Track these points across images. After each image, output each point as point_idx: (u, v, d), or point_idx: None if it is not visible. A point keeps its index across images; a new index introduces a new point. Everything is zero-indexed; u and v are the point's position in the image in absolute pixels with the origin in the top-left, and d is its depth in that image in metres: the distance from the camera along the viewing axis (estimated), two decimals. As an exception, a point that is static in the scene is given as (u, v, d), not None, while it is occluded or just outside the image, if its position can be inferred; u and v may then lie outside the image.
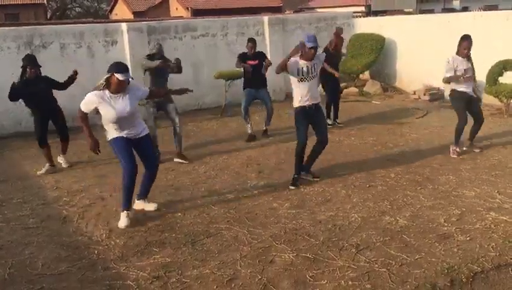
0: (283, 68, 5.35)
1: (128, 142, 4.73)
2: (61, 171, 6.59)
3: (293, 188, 5.53)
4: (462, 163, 6.12)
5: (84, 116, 4.69)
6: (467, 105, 6.43)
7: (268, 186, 5.64)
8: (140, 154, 4.90)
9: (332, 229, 4.44)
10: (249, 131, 7.91)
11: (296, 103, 5.56)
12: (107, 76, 4.49)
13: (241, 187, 5.66)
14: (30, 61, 6.43)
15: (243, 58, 7.80)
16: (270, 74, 10.83)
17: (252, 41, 7.82)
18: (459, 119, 6.49)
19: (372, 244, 4.12)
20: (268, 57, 10.52)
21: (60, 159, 6.86)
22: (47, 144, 6.65)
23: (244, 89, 7.96)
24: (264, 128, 8.08)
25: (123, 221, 4.71)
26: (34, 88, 6.35)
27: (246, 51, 7.86)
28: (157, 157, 5.25)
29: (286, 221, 4.65)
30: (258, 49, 8.04)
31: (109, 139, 4.78)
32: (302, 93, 5.49)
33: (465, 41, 6.22)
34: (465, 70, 6.24)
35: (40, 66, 6.55)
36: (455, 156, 6.40)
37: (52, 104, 6.66)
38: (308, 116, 5.54)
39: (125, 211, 4.76)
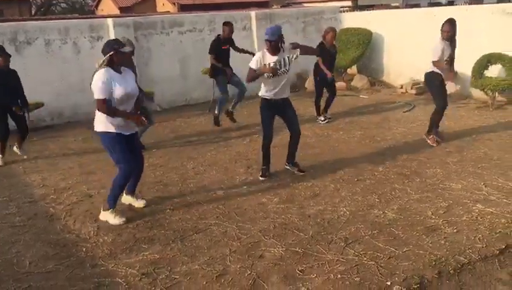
0: (254, 79, 5.32)
1: (125, 139, 4.58)
2: (47, 169, 6.52)
3: (262, 179, 5.64)
4: (448, 156, 6.17)
5: (108, 105, 4.36)
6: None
7: (257, 182, 5.64)
8: (130, 150, 4.74)
9: (321, 223, 4.46)
10: (219, 115, 8.12)
11: (263, 93, 5.48)
12: (109, 55, 4.33)
13: (229, 183, 5.65)
14: (2, 50, 6.42)
15: (217, 46, 7.91)
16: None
17: (229, 24, 7.91)
18: (438, 103, 6.59)
19: (361, 237, 4.14)
20: (256, 52, 10.55)
21: (16, 150, 6.94)
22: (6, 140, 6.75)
23: (217, 76, 8.03)
24: (231, 110, 8.19)
25: (117, 219, 4.64)
26: (5, 79, 6.36)
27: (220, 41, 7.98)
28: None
29: (275, 216, 4.66)
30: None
31: (105, 131, 4.49)
32: (269, 87, 5.41)
33: (446, 24, 6.33)
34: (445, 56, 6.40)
35: (10, 55, 6.52)
36: (435, 144, 6.53)
37: (17, 99, 6.61)
38: (274, 108, 5.51)
39: (112, 209, 4.70)
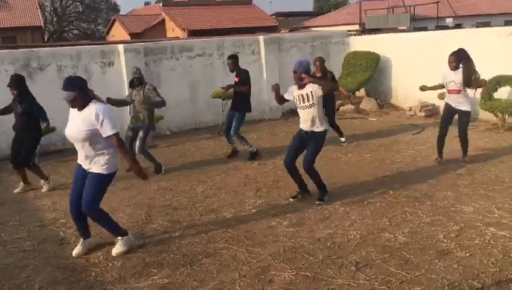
0: (280, 99, 5.67)
1: (80, 172, 4.41)
2: (58, 193, 6.55)
3: (291, 200, 5.69)
4: (459, 178, 6.12)
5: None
6: (450, 117, 6.74)
7: (266, 205, 5.62)
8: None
9: (331, 247, 4.42)
10: (250, 149, 7.72)
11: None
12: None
13: (239, 206, 5.64)
14: (12, 82, 6.38)
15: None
16: (267, 92, 10.97)
17: (232, 57, 7.66)
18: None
19: (372, 261, 4.09)
20: (264, 76, 10.66)
21: (44, 184, 6.76)
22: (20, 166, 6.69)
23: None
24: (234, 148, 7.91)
25: (76, 248, 4.58)
26: (16, 109, 6.45)
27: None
28: (87, 203, 4.30)
29: (285, 239, 4.63)
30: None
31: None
32: (300, 117, 5.64)
33: (450, 56, 6.47)
34: (447, 83, 6.56)
35: (26, 87, 6.46)
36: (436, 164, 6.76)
37: (26, 127, 6.51)
38: (302, 138, 5.62)
39: (81, 239, 4.63)
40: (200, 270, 4.12)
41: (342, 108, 11.31)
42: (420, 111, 10.50)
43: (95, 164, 4.28)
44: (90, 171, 4.32)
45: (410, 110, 10.75)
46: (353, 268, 3.99)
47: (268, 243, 4.58)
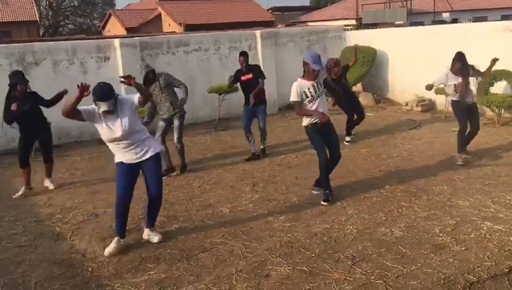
0: (306, 114, 5.29)
1: (131, 168, 4.45)
2: (53, 189, 6.52)
3: (325, 203, 5.32)
4: (455, 173, 6.14)
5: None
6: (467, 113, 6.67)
7: (263, 200, 5.62)
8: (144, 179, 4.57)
9: (327, 241, 4.42)
10: (252, 150, 7.51)
11: (306, 122, 5.33)
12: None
13: (235, 201, 5.64)
14: (19, 77, 6.23)
15: (236, 74, 7.58)
16: (264, 86, 10.93)
17: (243, 54, 7.52)
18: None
19: (368, 256, 4.10)
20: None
21: (47, 183, 6.59)
22: (28, 165, 6.44)
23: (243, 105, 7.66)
24: (261, 146, 7.62)
25: (109, 247, 4.45)
26: (22, 106, 6.16)
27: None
28: (160, 188, 4.65)
29: (281, 234, 4.63)
30: (250, 61, 7.89)
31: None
32: (314, 114, 5.26)
33: (454, 64, 6.41)
34: (455, 85, 6.45)
35: (28, 81, 6.34)
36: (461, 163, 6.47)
37: (40, 123, 6.44)
38: (321, 132, 5.35)
39: (116, 237, 4.50)
40: (197, 265, 4.12)
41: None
42: (417, 106, 10.51)
43: (148, 149, 4.45)
44: (146, 159, 4.43)
45: (407, 104, 10.76)
46: (349, 262, 4.00)
47: (265, 237, 4.58)
